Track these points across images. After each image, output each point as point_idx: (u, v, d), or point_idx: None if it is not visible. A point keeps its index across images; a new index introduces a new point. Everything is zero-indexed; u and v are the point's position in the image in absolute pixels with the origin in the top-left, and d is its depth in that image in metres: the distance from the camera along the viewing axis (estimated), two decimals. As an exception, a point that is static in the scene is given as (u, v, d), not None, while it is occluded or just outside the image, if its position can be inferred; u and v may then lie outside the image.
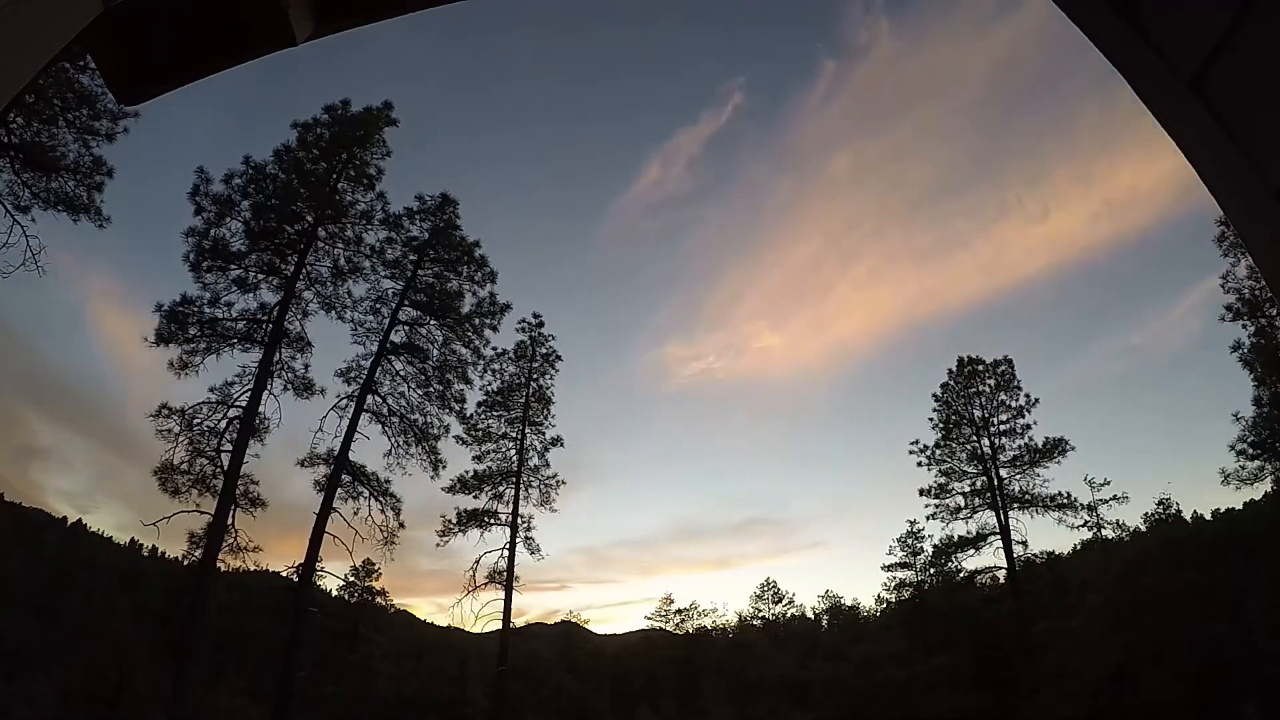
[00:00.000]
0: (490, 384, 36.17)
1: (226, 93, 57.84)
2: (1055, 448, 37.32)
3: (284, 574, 27.76)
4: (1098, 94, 65.05)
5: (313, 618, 28.67)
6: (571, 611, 51.71)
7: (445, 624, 47.41)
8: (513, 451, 35.62)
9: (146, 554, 54.91)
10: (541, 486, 35.36)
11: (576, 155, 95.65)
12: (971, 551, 37.79)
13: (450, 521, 33.90)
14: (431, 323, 30.27)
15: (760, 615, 50.03)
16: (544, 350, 37.71)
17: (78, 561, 47.45)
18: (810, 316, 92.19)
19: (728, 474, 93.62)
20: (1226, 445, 29.91)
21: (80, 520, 60.77)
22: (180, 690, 21.68)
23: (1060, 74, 75.99)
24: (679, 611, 49.84)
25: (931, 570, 39.99)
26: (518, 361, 37.09)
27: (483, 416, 35.67)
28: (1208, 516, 40.67)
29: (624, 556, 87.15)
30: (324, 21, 2.40)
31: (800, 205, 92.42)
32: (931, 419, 40.48)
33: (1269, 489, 30.68)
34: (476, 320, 31.01)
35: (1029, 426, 38.37)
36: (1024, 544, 36.54)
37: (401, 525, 27.89)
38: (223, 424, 24.89)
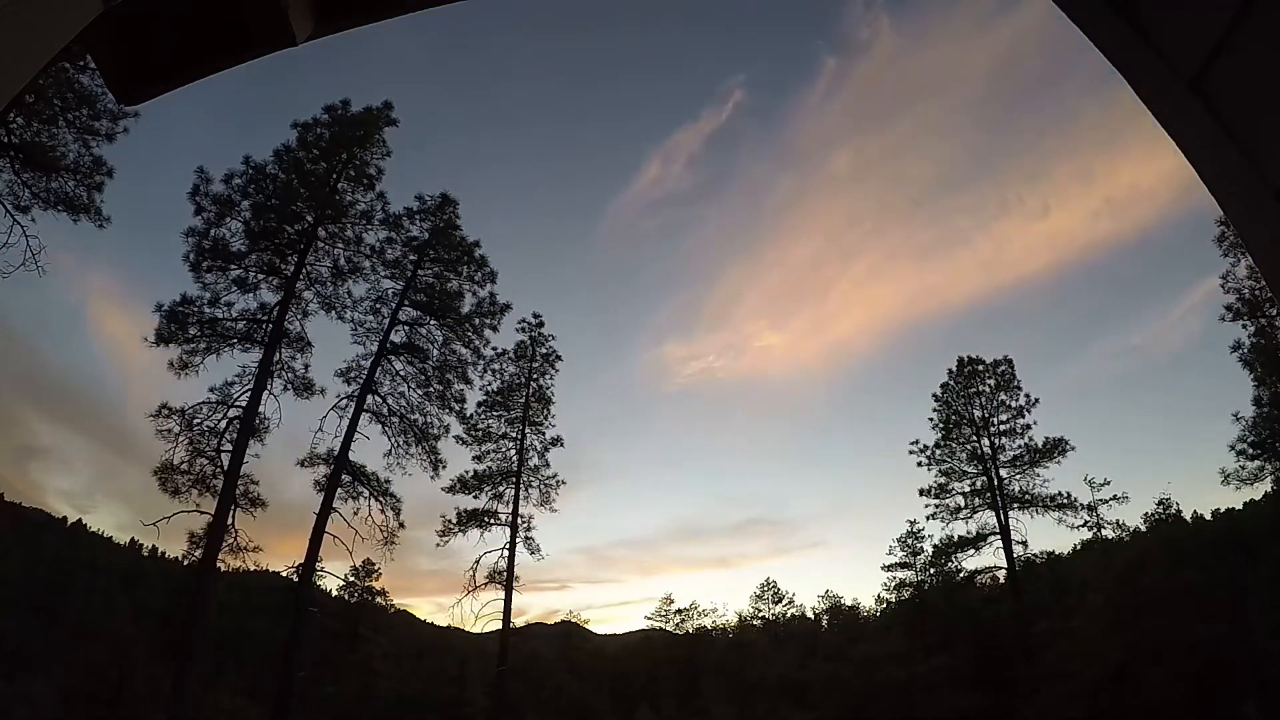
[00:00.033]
0: (490, 384, 36.29)
1: (226, 93, 57.75)
2: (1055, 448, 37.37)
3: (284, 574, 27.84)
4: (1098, 92, 65.04)
5: (313, 618, 28.69)
6: (571, 611, 51.76)
7: (445, 624, 47.52)
8: (513, 451, 35.68)
9: (146, 554, 54.91)
10: (541, 486, 35.48)
11: (576, 155, 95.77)
12: (971, 551, 37.88)
13: (450, 521, 34.01)
14: (431, 323, 30.31)
15: (760, 615, 50.11)
16: (544, 350, 37.82)
17: (78, 561, 47.43)
18: (810, 315, 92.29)
19: (728, 474, 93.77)
20: (1226, 445, 30.04)
21: (80, 520, 60.89)
22: (180, 690, 21.69)
23: (1061, 72, 76.03)
24: (679, 611, 49.95)
25: (931, 570, 40.02)
26: (518, 361, 37.16)
27: (483, 416, 35.76)
28: (1208, 516, 40.74)
29: (624, 556, 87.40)
30: (324, 21, 2.40)
31: (800, 203, 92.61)
32: (931, 419, 40.62)
33: (1269, 489, 30.74)
34: (476, 320, 31.06)
35: (1029, 426, 38.48)
36: (1024, 544, 36.66)
37: (401, 525, 28.00)
38: (223, 424, 24.93)
